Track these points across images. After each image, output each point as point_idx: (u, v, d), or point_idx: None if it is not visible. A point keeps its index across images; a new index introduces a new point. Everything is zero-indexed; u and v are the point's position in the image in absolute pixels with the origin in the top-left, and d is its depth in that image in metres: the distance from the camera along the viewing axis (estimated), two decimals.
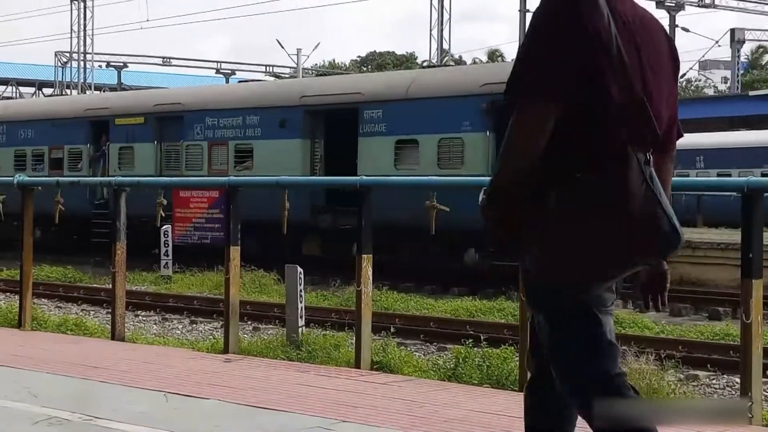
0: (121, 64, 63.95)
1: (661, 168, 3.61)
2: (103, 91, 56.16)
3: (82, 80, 56.62)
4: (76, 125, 29.32)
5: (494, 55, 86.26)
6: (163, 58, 65.58)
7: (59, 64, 61.27)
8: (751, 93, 49.75)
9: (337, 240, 22.58)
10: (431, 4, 37.73)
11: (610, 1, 3.49)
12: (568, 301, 3.51)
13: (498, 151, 3.59)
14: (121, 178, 10.78)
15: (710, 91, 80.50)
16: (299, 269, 11.62)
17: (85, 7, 55.78)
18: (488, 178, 3.63)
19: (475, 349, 9.69)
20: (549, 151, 3.42)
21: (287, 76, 62.56)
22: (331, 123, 23.91)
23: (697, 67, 74.69)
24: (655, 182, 3.48)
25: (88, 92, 54.08)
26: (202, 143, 26.06)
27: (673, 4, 59.38)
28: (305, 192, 21.60)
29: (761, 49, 78.82)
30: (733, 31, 60.27)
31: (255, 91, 27.04)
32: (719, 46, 63.56)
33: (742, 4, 59.82)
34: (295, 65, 57.30)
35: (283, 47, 58.89)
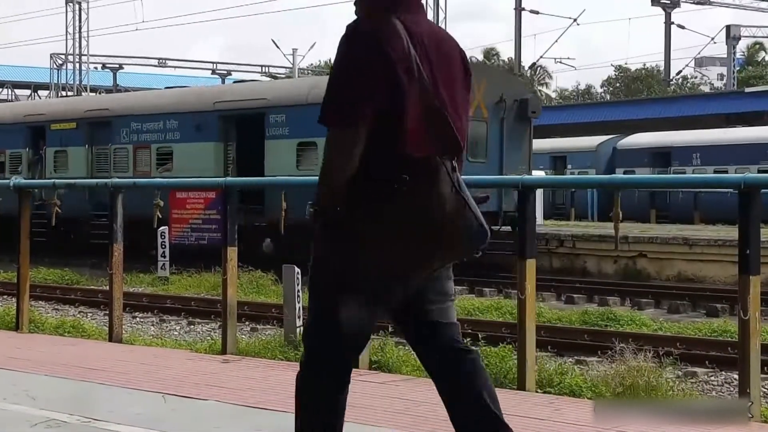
0: (117, 66, 63.95)
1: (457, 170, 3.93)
2: (99, 93, 56.11)
3: (77, 82, 56.58)
4: (16, 131, 30.97)
5: (490, 54, 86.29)
6: (159, 59, 65.55)
7: (55, 66, 61.21)
8: (747, 89, 49.80)
9: (250, 237, 23.44)
10: (427, 3, 37.68)
11: (407, 24, 3.83)
12: (366, 293, 3.85)
13: None
14: (117, 180, 10.77)
15: (706, 88, 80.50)
16: (296, 269, 11.62)
17: (80, 9, 55.76)
18: None
19: (474, 347, 9.68)
20: (366, 163, 3.78)
21: (284, 76, 62.56)
22: (242, 127, 25.32)
23: (692, 64, 74.75)
24: (463, 187, 3.83)
25: (84, 94, 54.03)
26: (128, 146, 27.79)
27: (668, 2, 59.40)
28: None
29: (757, 46, 78.86)
30: (728, 27, 60.30)
31: (174, 97, 28.72)
32: (715, 42, 63.63)
33: (737, 1, 59.87)
34: (291, 65, 57.32)
35: (278, 47, 58.82)
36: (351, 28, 3.85)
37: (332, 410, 4.03)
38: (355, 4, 3.99)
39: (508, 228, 23.73)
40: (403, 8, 3.90)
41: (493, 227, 24.49)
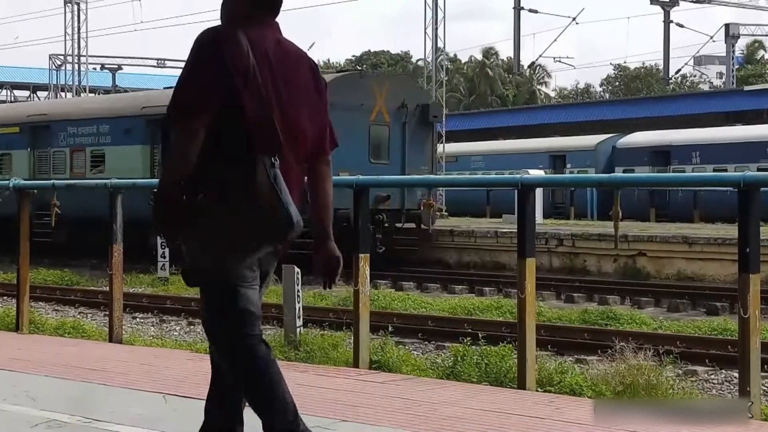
0: (116, 67, 63.88)
1: (316, 171, 4.51)
2: (98, 94, 56.09)
3: (76, 83, 56.56)
4: None
5: (489, 53, 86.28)
6: (158, 59, 65.53)
7: (53, 67, 61.17)
8: (747, 88, 49.80)
9: None
10: (425, 2, 37.58)
11: (252, 37, 4.34)
12: (214, 277, 4.35)
13: None
14: (116, 181, 10.77)
15: (705, 87, 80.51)
16: (296, 269, 11.61)
17: (78, 10, 55.64)
18: None
19: (474, 347, 9.68)
20: (203, 158, 4.26)
21: None
22: (167, 130, 26.34)
23: (691, 62, 74.74)
24: (279, 180, 4.29)
25: (82, 95, 54.01)
26: (65, 150, 29.46)
27: (667, 0, 59.42)
28: (145, 193, 24.56)
29: (756, 44, 78.86)
30: (727, 26, 60.32)
31: (106, 102, 31.20)
32: (714, 41, 63.66)
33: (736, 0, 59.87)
34: None
35: None
36: (200, 36, 4.36)
37: (268, 381, 4.57)
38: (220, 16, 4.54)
39: (412, 224, 25.63)
40: (253, 23, 4.41)
41: (396, 224, 25.78)
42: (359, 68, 32.55)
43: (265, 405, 4.53)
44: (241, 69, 4.26)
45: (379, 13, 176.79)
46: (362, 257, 8.30)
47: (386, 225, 24.38)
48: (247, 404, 4.68)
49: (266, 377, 4.52)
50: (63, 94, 56.91)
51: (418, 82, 38.52)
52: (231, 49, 4.28)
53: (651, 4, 59.80)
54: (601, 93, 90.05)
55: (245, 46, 4.30)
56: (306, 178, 4.54)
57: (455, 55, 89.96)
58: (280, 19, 4.54)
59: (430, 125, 26.73)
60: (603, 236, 23.52)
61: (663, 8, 60.71)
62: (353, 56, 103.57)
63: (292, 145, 4.37)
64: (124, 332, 10.81)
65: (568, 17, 66.21)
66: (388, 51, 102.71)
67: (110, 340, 10.26)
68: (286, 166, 4.35)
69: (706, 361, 11.57)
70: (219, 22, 4.50)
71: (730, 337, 12.26)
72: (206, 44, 4.32)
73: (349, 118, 23.96)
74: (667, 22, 61.93)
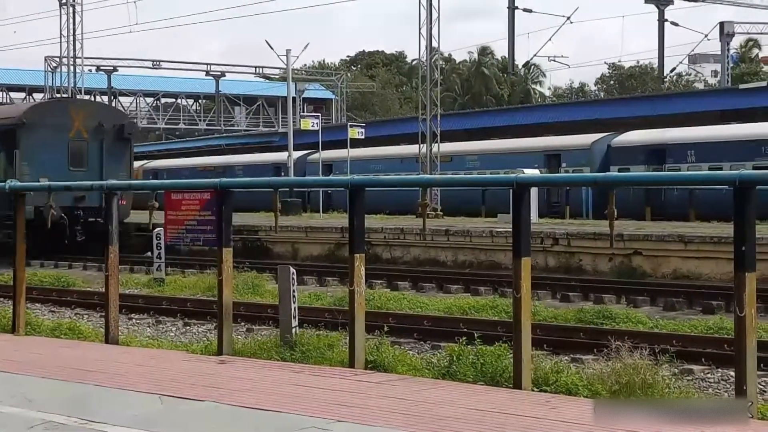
0: (111, 68, 63.82)
1: None
2: (94, 95, 56.00)
3: (72, 85, 56.54)
4: None
5: (484, 53, 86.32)
6: (153, 61, 65.47)
7: (49, 69, 61.11)
8: (742, 86, 49.78)
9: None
10: (420, 2, 37.57)
11: None
12: None
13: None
14: (112, 182, 10.77)
15: (700, 85, 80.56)
16: (292, 270, 11.61)
17: (74, 12, 55.60)
18: None
19: (469, 346, 9.68)
20: None
21: (277, 77, 62.50)
22: None
23: (686, 61, 74.85)
24: None
25: (78, 97, 54.01)
26: None
27: None
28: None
29: (750, 43, 78.94)
30: (722, 24, 60.41)
31: None
32: (709, 39, 63.78)
33: None
34: (285, 66, 57.27)
35: (272, 48, 58.72)
36: None
37: None
38: None
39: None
40: None
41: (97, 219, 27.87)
42: (61, 95, 36.88)
43: None
44: None
45: (374, 13, 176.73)
46: (357, 257, 8.30)
47: (84, 220, 29.44)
48: None
49: None
50: (59, 95, 56.87)
51: (413, 81, 38.58)
52: None
53: (645, 2, 59.93)
54: (596, 92, 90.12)
55: None
56: None
57: (450, 55, 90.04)
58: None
59: (127, 140, 32.35)
60: (598, 235, 23.50)
61: (657, 7, 60.82)
62: (348, 56, 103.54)
63: None
64: (120, 333, 10.80)
65: (563, 16, 66.27)
66: (382, 51, 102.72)
67: (106, 341, 10.25)
68: None
69: (702, 360, 11.57)
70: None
71: (726, 336, 12.26)
72: None
73: (49, 135, 30.25)
74: (661, 20, 62.06)
